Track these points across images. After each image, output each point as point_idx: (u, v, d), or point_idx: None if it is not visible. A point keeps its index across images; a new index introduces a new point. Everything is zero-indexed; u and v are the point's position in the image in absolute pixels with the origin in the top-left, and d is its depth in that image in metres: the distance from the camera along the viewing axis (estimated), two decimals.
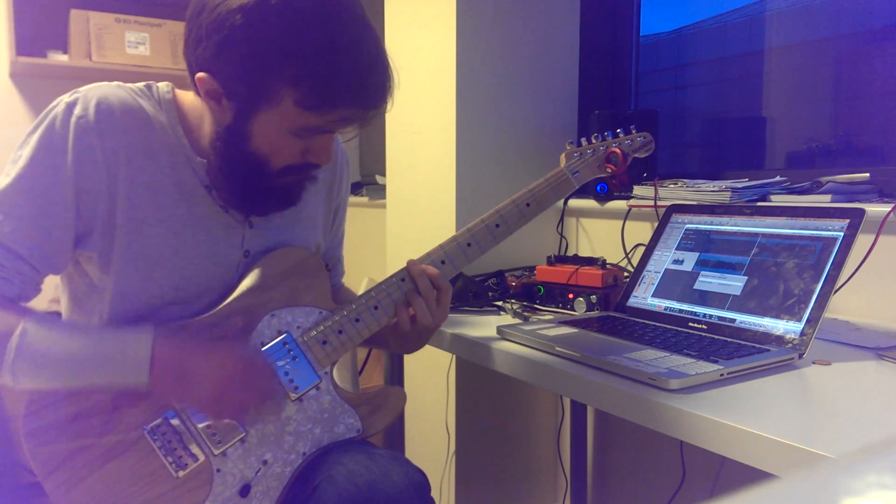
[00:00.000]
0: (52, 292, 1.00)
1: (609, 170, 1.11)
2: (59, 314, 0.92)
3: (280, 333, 0.96)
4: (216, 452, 0.91)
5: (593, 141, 1.13)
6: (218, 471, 0.91)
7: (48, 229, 0.87)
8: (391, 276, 1.01)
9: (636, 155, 1.15)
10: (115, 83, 0.92)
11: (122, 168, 0.89)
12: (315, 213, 1.08)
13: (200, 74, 0.86)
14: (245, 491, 0.92)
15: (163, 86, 0.96)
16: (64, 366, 0.85)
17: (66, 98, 0.89)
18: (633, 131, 1.15)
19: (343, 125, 0.89)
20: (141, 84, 0.95)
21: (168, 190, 0.92)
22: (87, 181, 0.87)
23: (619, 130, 1.14)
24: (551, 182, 1.09)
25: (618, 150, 1.11)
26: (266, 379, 0.91)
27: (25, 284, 0.89)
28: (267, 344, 0.95)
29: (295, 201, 0.97)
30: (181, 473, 0.90)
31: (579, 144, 1.14)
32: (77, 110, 0.87)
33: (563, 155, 1.12)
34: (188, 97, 0.96)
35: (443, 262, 1.03)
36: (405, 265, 1.02)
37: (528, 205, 1.07)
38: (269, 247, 1.00)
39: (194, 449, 0.90)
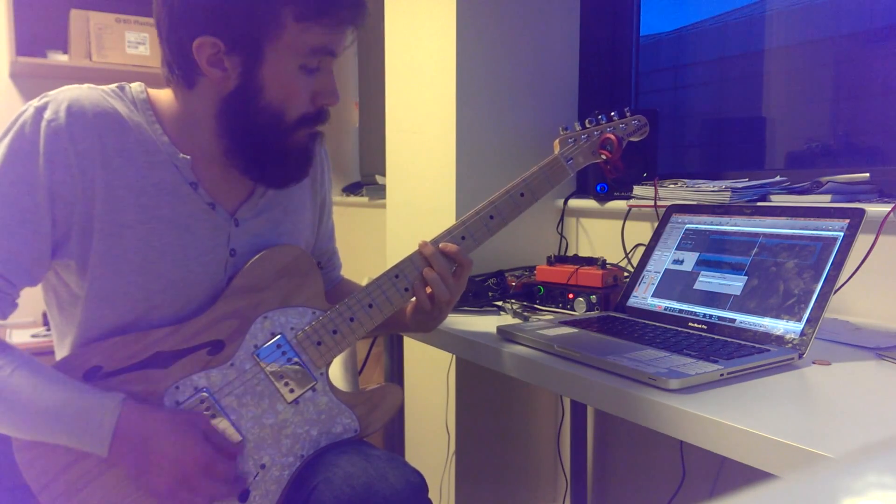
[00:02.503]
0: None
1: (604, 156, 1.11)
2: (34, 360, 0.86)
3: (274, 335, 0.95)
4: None
5: (587, 125, 1.12)
6: None
7: (24, 240, 0.84)
8: (384, 274, 1.01)
9: (631, 139, 1.14)
10: (87, 85, 0.90)
11: (97, 171, 0.86)
12: (301, 210, 1.07)
13: (198, 41, 0.86)
14: (244, 496, 0.91)
15: (135, 86, 0.95)
16: (26, 417, 0.82)
17: (35, 102, 0.86)
18: (628, 114, 1.14)
19: (342, 30, 0.91)
20: (113, 85, 0.93)
21: (148, 191, 0.90)
22: (61, 187, 0.85)
23: (612, 113, 1.13)
24: (545, 170, 1.07)
25: (612, 136, 1.09)
26: (227, 473, 0.87)
27: (1, 301, 0.85)
28: (261, 346, 0.94)
29: (307, 171, 0.98)
30: None
31: (573, 129, 1.13)
32: (47, 114, 0.85)
33: (556, 141, 1.11)
34: (164, 95, 0.95)
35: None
36: (404, 256, 1.02)
37: (521, 194, 1.05)
38: (255, 245, 0.99)
39: None
